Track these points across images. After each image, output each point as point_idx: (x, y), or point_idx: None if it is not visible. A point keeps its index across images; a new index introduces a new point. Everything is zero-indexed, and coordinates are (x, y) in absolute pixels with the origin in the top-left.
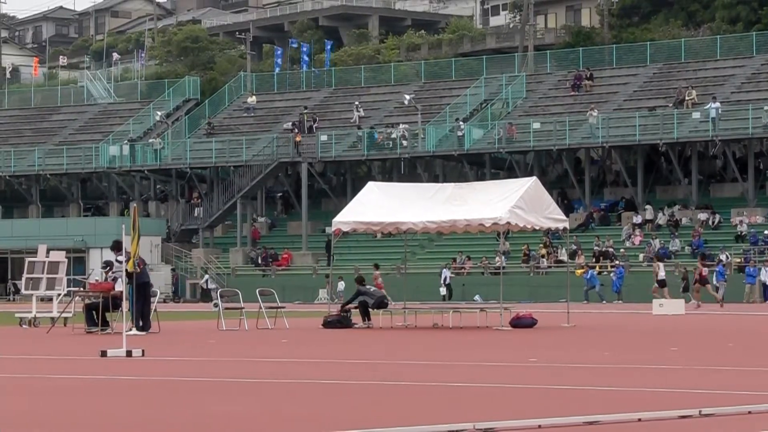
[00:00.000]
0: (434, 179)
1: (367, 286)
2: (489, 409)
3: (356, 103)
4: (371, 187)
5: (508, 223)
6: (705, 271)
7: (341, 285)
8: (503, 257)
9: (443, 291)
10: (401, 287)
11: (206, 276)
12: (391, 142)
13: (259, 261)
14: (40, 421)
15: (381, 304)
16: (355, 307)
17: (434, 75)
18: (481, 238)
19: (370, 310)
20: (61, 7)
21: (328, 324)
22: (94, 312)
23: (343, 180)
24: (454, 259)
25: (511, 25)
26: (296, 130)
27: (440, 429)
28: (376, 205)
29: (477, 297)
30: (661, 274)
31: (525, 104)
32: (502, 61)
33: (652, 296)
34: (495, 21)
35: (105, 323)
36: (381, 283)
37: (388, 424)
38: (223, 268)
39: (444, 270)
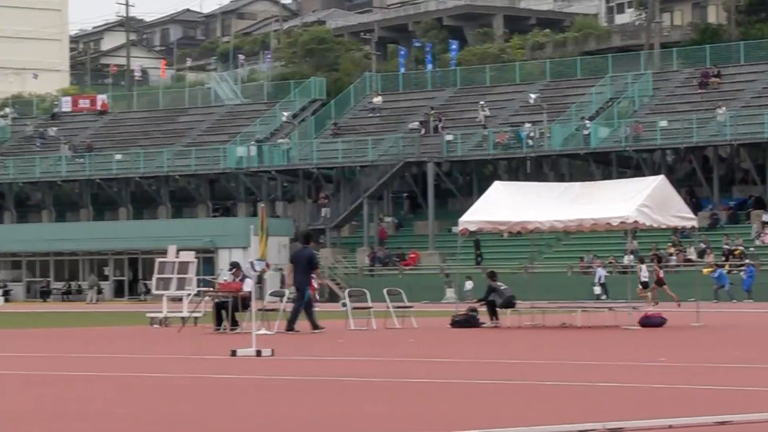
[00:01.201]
0: (560, 178)
1: (498, 283)
2: (618, 409)
3: (481, 102)
4: (497, 186)
5: (636, 221)
6: (662, 272)
7: (469, 284)
8: (631, 256)
9: (597, 290)
10: (528, 286)
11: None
12: (517, 142)
13: (367, 260)
14: (170, 420)
15: (509, 303)
16: (482, 304)
17: (559, 74)
18: (609, 237)
19: (498, 309)
20: (187, 10)
21: (456, 323)
22: (223, 311)
23: (469, 179)
24: (582, 258)
25: (636, 23)
26: (439, 127)
27: (570, 429)
28: (503, 204)
29: (604, 296)
30: (644, 276)
31: (651, 102)
32: (627, 59)
33: (638, 297)
34: (620, 19)
35: (234, 323)
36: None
37: (517, 423)
38: (351, 268)
39: (599, 269)
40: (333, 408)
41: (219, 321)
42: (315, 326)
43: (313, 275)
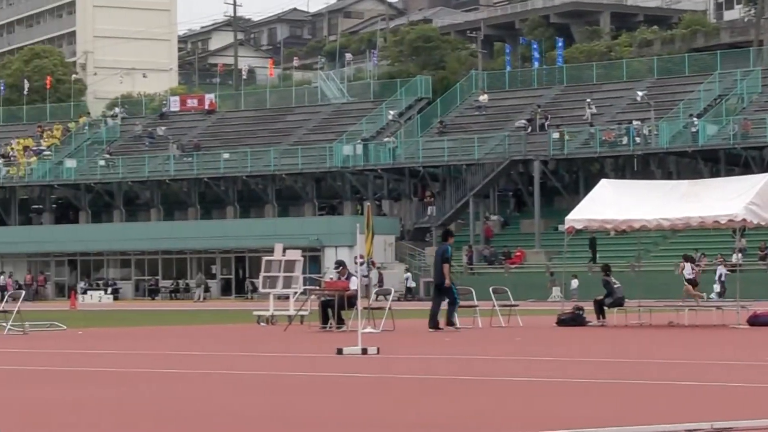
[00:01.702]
0: (668, 176)
1: (613, 279)
2: (726, 409)
3: (588, 100)
4: (604, 184)
5: (744, 219)
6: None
7: (575, 283)
8: (739, 254)
9: (717, 288)
10: (635, 285)
11: (407, 274)
12: (624, 139)
13: (465, 258)
14: (276, 418)
15: (618, 302)
16: (604, 297)
17: (667, 71)
18: (717, 235)
19: (605, 308)
20: (294, 9)
21: (562, 322)
22: (329, 310)
23: (575, 177)
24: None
25: (745, 19)
26: (546, 125)
27: (677, 428)
28: (609, 202)
29: (713, 295)
30: (687, 273)
31: (760, 99)
32: (736, 55)
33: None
34: (729, 15)
35: (340, 321)
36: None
37: (623, 422)
38: (456, 266)
39: (719, 267)
40: (437, 406)
41: (325, 319)
42: (434, 325)
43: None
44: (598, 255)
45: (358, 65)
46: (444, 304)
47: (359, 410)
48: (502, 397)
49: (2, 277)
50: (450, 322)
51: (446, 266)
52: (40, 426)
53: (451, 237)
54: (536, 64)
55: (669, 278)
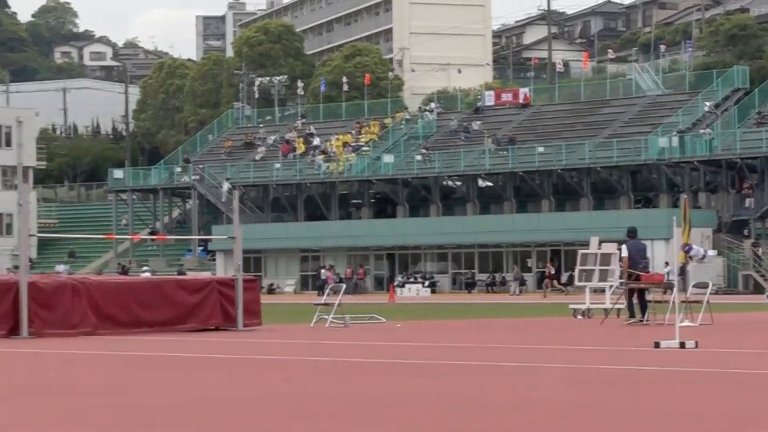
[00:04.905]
0: None
1: None
2: None
3: None
4: None
5: None
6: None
7: None
8: None
9: None
10: None
11: (669, 267)
12: None
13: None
14: (595, 411)
15: None
16: None
17: None
18: None
19: None
20: (609, 2)
21: None
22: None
23: None
24: None
25: None
26: None
27: None
28: None
29: None
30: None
31: None
32: None
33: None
34: None
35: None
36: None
37: None
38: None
39: None
40: (755, 402)
41: (642, 312)
42: None
43: None
44: None
45: (673, 56)
46: None
47: (678, 404)
48: None
49: (323, 270)
50: None
51: None
52: (362, 417)
53: None
54: None
55: None
